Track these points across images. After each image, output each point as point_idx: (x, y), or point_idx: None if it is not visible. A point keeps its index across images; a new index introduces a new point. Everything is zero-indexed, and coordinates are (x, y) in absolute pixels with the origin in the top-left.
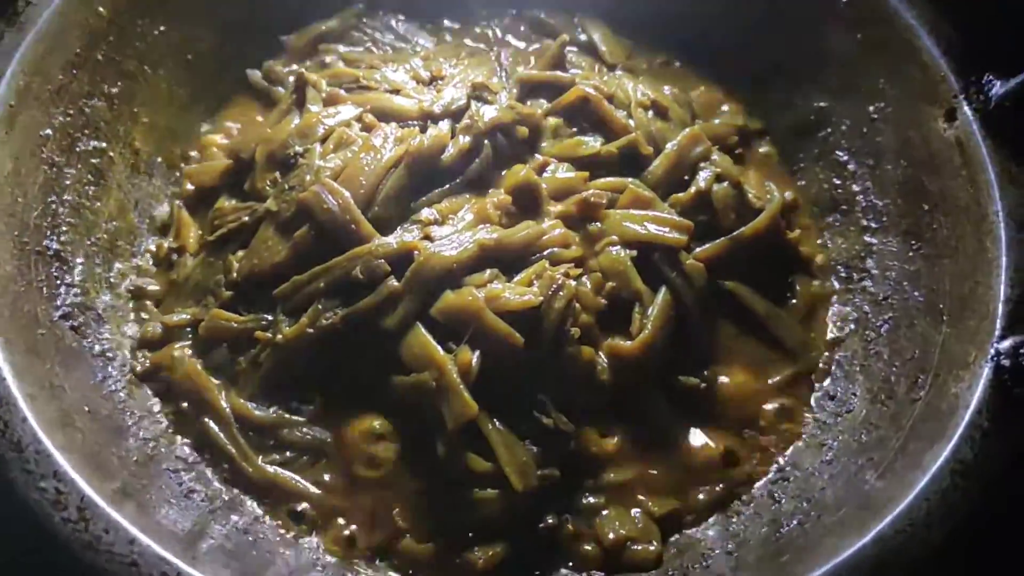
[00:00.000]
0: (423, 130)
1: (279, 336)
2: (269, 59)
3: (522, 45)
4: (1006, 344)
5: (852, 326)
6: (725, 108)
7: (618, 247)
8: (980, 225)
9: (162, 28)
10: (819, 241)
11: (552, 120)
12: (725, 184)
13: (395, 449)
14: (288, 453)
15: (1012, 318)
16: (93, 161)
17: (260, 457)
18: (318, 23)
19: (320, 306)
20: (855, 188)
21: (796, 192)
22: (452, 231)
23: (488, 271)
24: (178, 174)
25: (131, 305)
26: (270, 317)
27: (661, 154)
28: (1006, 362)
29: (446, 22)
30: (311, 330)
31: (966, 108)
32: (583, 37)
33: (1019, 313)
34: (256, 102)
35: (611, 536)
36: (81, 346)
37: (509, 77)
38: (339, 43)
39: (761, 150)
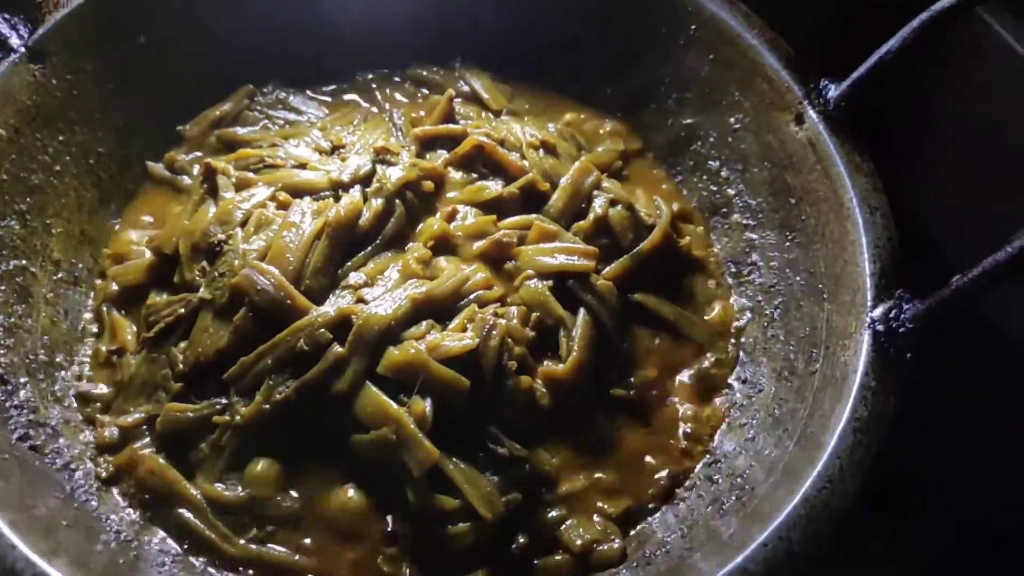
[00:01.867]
0: (336, 199)
1: (237, 417)
2: (169, 150)
3: (408, 100)
4: (878, 312)
5: (749, 315)
6: (606, 130)
7: (535, 280)
8: (839, 212)
9: (60, 138)
10: (706, 243)
11: (452, 170)
12: (619, 207)
13: (366, 503)
14: (268, 527)
15: (878, 289)
16: (17, 280)
17: (240, 537)
18: (211, 109)
19: (271, 382)
20: (730, 192)
21: (681, 201)
22: (383, 290)
23: (424, 323)
24: (97, 279)
25: (80, 414)
26: (224, 400)
27: (558, 188)
28: (880, 327)
29: (332, 89)
30: (267, 406)
31: (811, 111)
32: (465, 88)
33: (883, 284)
34: (162, 193)
35: (578, 542)
36: (43, 463)
37: (405, 135)
38: (235, 125)
39: (643, 167)
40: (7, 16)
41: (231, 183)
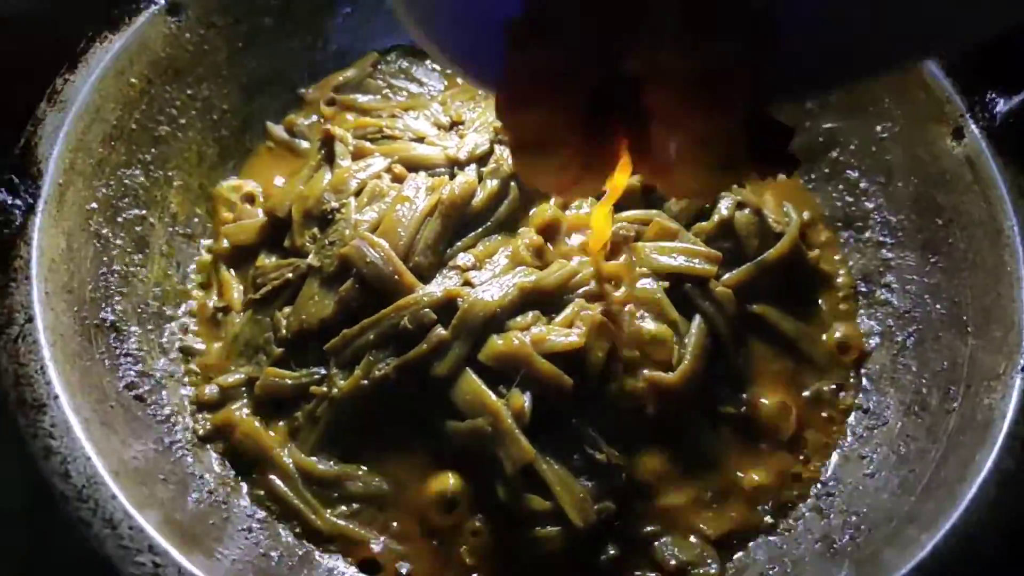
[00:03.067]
0: (451, 177)
1: (335, 390)
2: (290, 112)
3: None
4: None
5: (877, 339)
6: None
7: (650, 280)
8: (996, 239)
9: (189, 92)
10: (837, 257)
11: None
12: (746, 211)
13: (465, 488)
14: (354, 504)
15: None
16: (136, 229)
17: (328, 511)
18: (335, 74)
19: (371, 358)
20: (868, 205)
21: (813, 209)
22: (490, 275)
23: (531, 313)
24: (209, 238)
25: (184, 368)
26: (323, 371)
27: None
28: None
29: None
30: (365, 382)
31: (973, 126)
32: None
33: None
34: (279, 154)
35: (672, 562)
36: (146, 414)
37: None
38: (356, 92)
39: None
40: None
41: (348, 151)
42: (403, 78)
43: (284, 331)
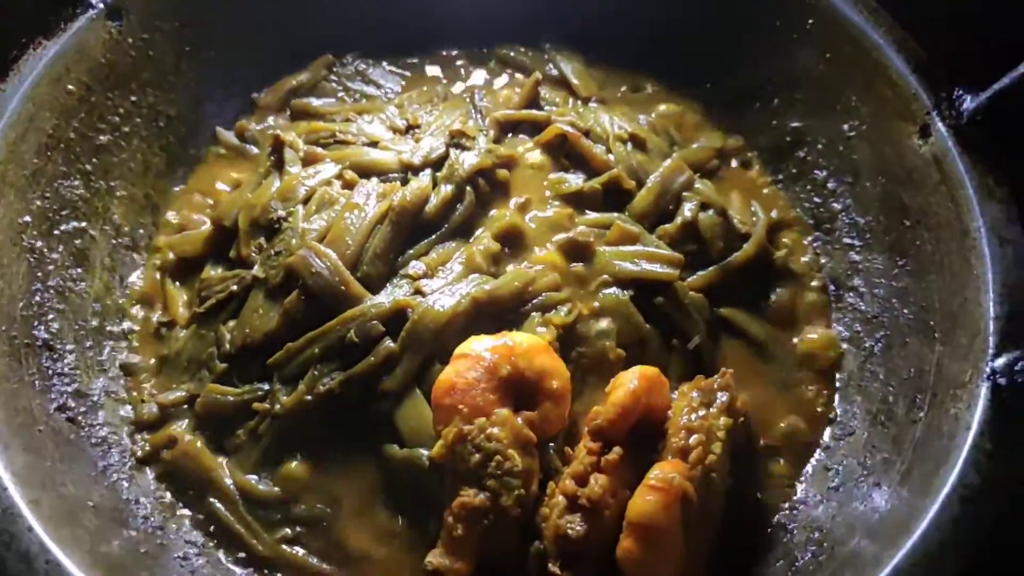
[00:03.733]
0: (404, 182)
1: (277, 406)
2: (241, 118)
3: (492, 80)
4: (1001, 362)
5: (845, 345)
6: (702, 126)
7: (614, 287)
8: (963, 241)
9: (132, 99)
10: (805, 258)
11: (530, 156)
12: (711, 212)
13: (397, 522)
14: (298, 528)
15: (1004, 335)
16: (75, 243)
17: (269, 535)
18: (288, 77)
19: (316, 372)
20: (836, 206)
21: (780, 208)
22: (443, 283)
23: None
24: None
25: (124, 385)
26: (266, 387)
27: (644, 187)
28: (1002, 380)
29: (413, 63)
30: (309, 397)
31: (939, 124)
32: (553, 71)
33: (1010, 330)
34: (229, 161)
35: None
36: (79, 437)
37: (485, 118)
38: (310, 96)
39: (740, 169)
40: None
41: (298, 157)
42: (359, 80)
43: (228, 346)
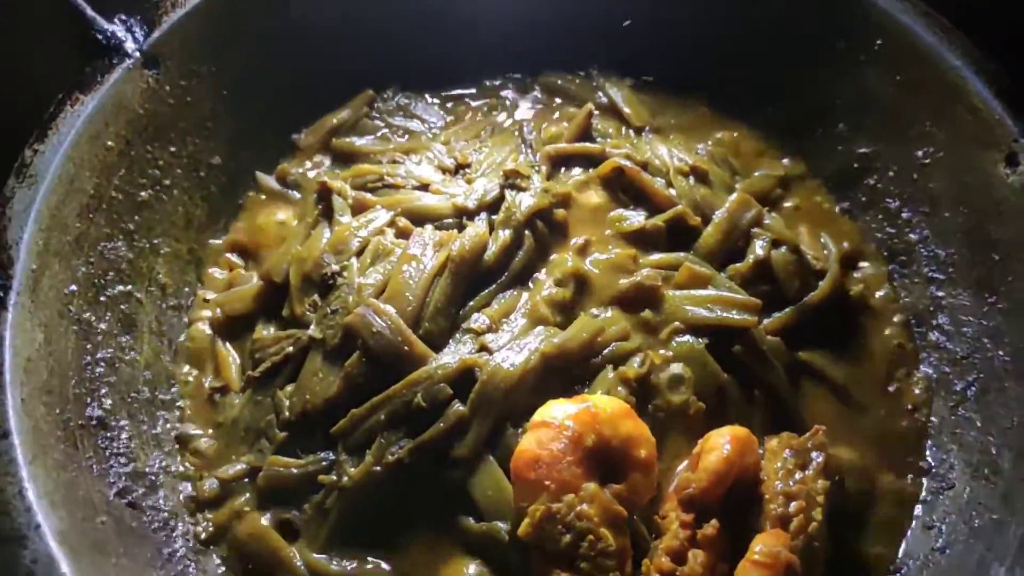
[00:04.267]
0: (459, 228)
1: (344, 478)
2: (282, 161)
3: (539, 109)
4: None
5: (932, 386)
6: (763, 154)
7: (687, 335)
8: None
9: (172, 149)
10: (880, 293)
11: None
12: (783, 249)
13: None
14: None
15: None
16: (122, 308)
17: None
18: (328, 116)
19: (383, 440)
20: (912, 237)
21: (852, 238)
22: (509, 338)
23: None
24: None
25: (181, 460)
26: (331, 456)
27: (711, 223)
28: None
29: (456, 95)
30: (378, 468)
31: None
32: (603, 99)
33: None
34: (273, 207)
35: None
36: (141, 523)
37: (535, 152)
38: (352, 135)
39: (806, 197)
40: (124, 17)
41: (347, 205)
42: (401, 116)
43: (287, 413)
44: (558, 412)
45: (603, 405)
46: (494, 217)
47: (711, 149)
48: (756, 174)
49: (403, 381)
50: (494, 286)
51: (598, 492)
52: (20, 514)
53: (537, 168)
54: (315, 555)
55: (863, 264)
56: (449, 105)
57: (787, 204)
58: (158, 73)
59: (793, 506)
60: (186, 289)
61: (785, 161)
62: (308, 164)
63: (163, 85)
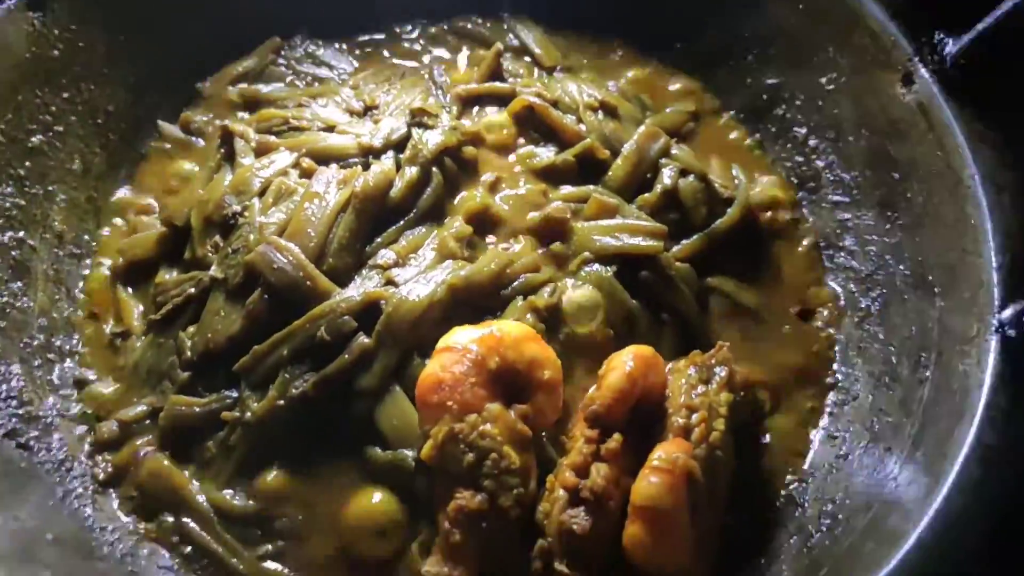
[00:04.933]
0: (365, 167)
1: (248, 414)
2: (185, 109)
3: (449, 56)
4: (1008, 313)
5: (840, 305)
6: (675, 90)
7: (595, 264)
8: (956, 190)
9: (64, 95)
10: (789, 217)
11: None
12: (691, 178)
13: (400, 521)
14: (280, 542)
15: (1008, 286)
16: (12, 254)
17: (249, 552)
18: (234, 64)
19: (287, 375)
20: (819, 163)
21: (763, 169)
22: (416, 272)
23: None
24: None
25: (78, 403)
26: (234, 394)
27: (620, 156)
28: (1012, 332)
29: (366, 41)
30: (281, 402)
31: (923, 71)
32: (514, 42)
33: (1014, 279)
34: (175, 156)
35: None
36: (32, 465)
37: (446, 94)
38: (258, 82)
39: (717, 131)
40: None
41: (250, 148)
42: (309, 63)
43: (189, 353)
44: (462, 337)
45: (507, 329)
46: (401, 156)
47: (622, 86)
48: (667, 110)
49: (306, 316)
50: (402, 223)
51: (502, 412)
52: None
53: (447, 108)
54: (218, 492)
55: (772, 194)
56: (358, 52)
57: (698, 138)
58: (43, 16)
59: (695, 417)
60: (86, 237)
61: (696, 96)
62: (212, 113)
63: (51, 29)
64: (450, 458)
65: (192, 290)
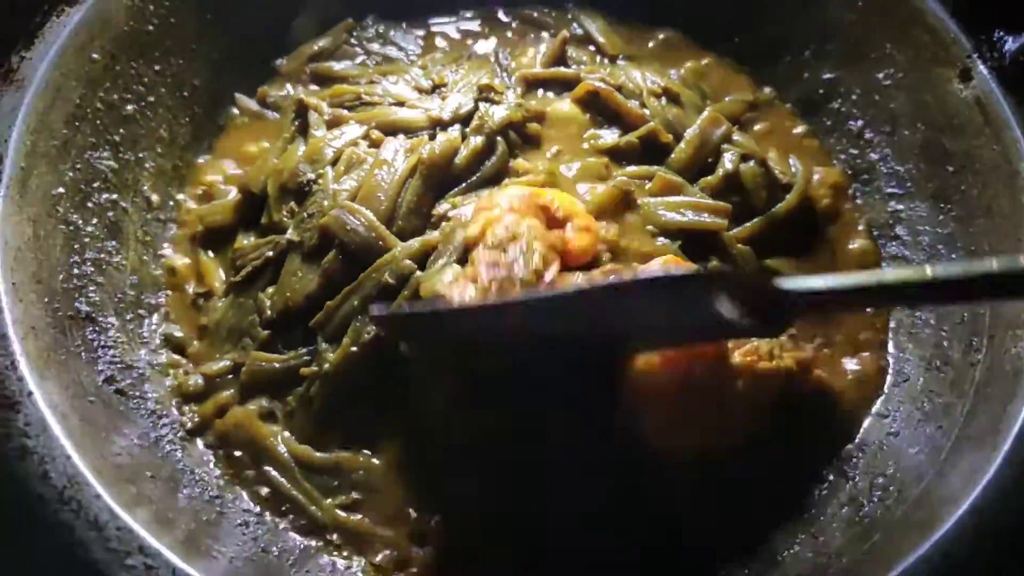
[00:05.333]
0: (432, 138)
1: (325, 366)
2: (264, 85)
3: (515, 40)
4: None
5: None
6: (733, 81)
7: (660, 237)
8: (1012, 183)
9: (156, 68)
10: (848, 205)
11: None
12: (751, 163)
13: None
14: (355, 494)
15: None
16: (108, 215)
17: (328, 500)
18: (309, 43)
19: (358, 323)
20: (874, 156)
21: (820, 159)
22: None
23: None
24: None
25: (167, 357)
26: (312, 349)
27: (683, 140)
28: None
29: (434, 25)
30: (355, 349)
31: (981, 67)
32: (578, 30)
33: None
34: (253, 128)
35: None
36: (129, 409)
37: (511, 76)
38: (331, 61)
39: (776, 121)
40: None
41: (323, 121)
42: (380, 43)
43: (269, 312)
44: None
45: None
46: (467, 128)
47: (683, 75)
48: (727, 99)
49: (371, 267)
50: (464, 185)
51: (540, 225)
52: (13, 382)
53: (513, 88)
54: (299, 443)
55: (829, 183)
56: (425, 33)
57: (757, 127)
58: None
59: (759, 347)
60: (171, 203)
61: (754, 88)
62: (288, 88)
63: (147, 4)
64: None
65: (270, 253)
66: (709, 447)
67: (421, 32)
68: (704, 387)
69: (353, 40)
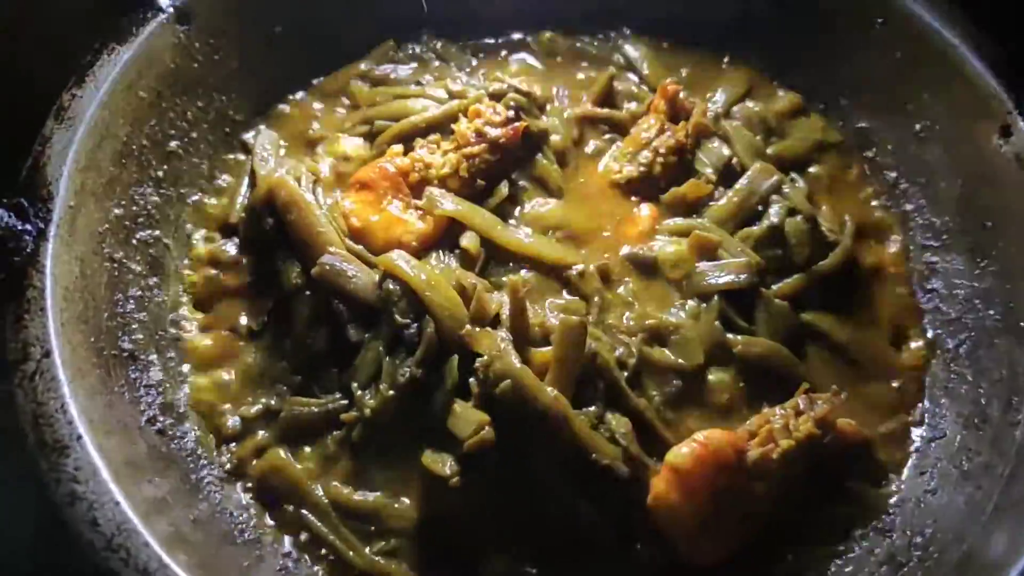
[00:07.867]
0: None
1: (366, 410)
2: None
3: (568, 65)
4: None
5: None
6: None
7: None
8: None
9: (199, 104)
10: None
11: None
12: (798, 218)
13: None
14: (393, 540)
15: None
16: (150, 251)
17: (367, 547)
18: (350, 66)
19: (390, 366)
20: (908, 206)
21: (867, 211)
22: None
23: None
24: None
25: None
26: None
27: (732, 189)
28: None
29: (486, 43)
30: (392, 392)
31: (1021, 123)
32: (621, 60)
33: None
34: None
35: None
36: (171, 450)
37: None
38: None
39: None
40: None
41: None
42: (429, 54)
43: (297, 359)
44: None
45: None
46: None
47: (745, 111)
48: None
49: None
50: None
51: None
52: (63, 425)
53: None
54: (338, 486)
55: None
56: (474, 54)
57: (812, 169)
58: (189, 29)
59: (765, 427)
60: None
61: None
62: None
63: (193, 41)
64: None
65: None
66: (742, 542)
67: (461, 52)
68: (725, 508)
69: (401, 55)
